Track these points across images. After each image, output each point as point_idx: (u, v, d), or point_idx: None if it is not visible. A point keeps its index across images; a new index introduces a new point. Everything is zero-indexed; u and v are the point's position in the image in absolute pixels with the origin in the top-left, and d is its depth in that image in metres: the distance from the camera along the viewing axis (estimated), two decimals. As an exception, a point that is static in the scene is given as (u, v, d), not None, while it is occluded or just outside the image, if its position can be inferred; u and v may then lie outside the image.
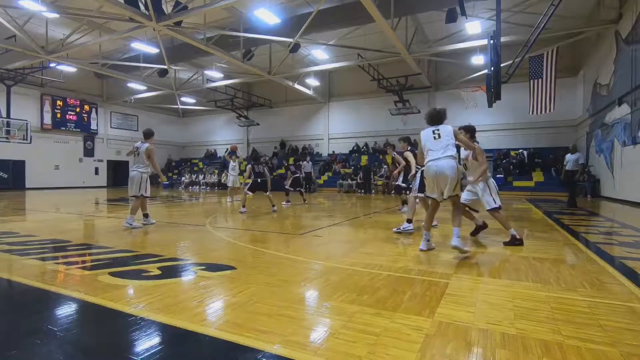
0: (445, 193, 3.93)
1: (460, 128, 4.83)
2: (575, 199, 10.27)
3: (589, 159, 15.22)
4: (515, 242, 4.45)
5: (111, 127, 25.96)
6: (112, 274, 3.20)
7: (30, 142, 19.96)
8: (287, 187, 10.99)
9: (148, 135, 6.21)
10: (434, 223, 6.65)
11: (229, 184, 12.29)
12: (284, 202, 10.73)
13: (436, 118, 4.12)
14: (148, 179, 6.14)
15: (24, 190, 20.08)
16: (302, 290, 2.82)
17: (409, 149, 6.38)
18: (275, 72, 17.73)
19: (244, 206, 8.69)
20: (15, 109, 19.86)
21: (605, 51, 12.98)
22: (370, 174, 18.59)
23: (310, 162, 10.20)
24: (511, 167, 17.62)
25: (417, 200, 5.96)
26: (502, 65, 9.96)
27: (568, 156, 10.05)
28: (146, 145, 6.06)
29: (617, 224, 7.02)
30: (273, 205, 8.97)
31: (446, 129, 4.00)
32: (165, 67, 17.20)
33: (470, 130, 4.91)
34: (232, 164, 12.29)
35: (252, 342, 1.90)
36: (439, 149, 3.94)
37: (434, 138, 3.99)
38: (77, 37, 15.40)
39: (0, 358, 1.75)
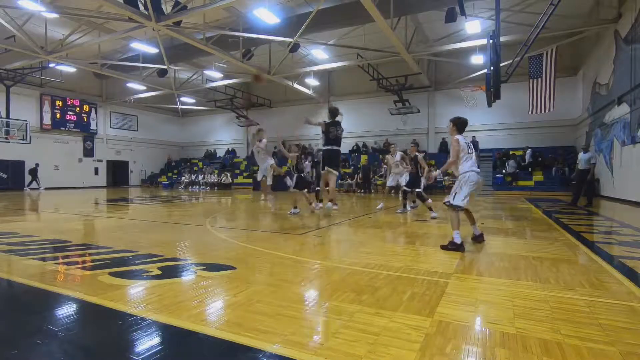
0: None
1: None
2: (578, 198, 10.24)
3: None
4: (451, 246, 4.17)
5: (111, 127, 25.96)
6: (112, 274, 3.20)
7: (30, 142, 19.96)
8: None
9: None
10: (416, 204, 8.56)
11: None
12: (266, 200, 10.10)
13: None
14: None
15: (23, 190, 20.06)
16: (302, 290, 2.82)
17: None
18: (275, 72, 17.73)
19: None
20: (14, 109, 19.84)
21: (604, 50, 12.99)
22: (370, 174, 18.59)
23: (309, 163, 10.05)
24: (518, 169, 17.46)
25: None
26: (501, 64, 9.97)
27: (581, 155, 9.97)
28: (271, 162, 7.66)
29: (616, 223, 7.03)
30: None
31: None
32: (165, 67, 17.20)
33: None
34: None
35: (252, 341, 1.90)
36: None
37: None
38: (77, 37, 15.39)
39: (1, 358, 1.76)
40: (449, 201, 4.34)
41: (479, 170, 4.39)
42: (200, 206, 11.02)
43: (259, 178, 8.12)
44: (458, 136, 4.33)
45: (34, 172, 20.59)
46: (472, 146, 4.39)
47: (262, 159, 7.93)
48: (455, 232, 4.16)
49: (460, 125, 4.40)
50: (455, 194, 4.30)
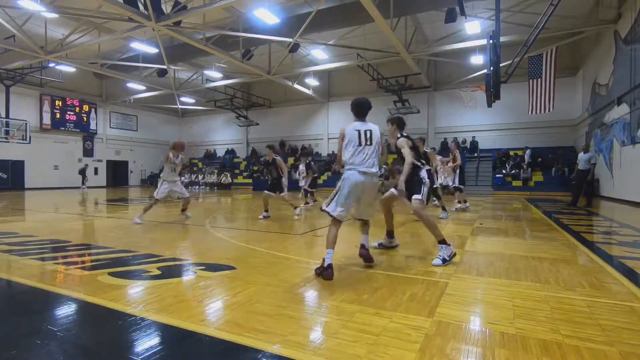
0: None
1: (388, 120, 4.06)
2: (578, 198, 10.24)
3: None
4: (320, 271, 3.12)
5: (110, 127, 25.95)
6: (112, 274, 3.20)
7: (30, 142, 19.94)
8: (305, 187, 10.51)
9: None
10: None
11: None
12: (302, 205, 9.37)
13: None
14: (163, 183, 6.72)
15: (23, 190, 20.05)
16: (301, 290, 2.82)
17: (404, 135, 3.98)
18: (275, 72, 17.73)
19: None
20: (14, 109, 19.83)
21: (604, 51, 12.99)
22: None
23: (303, 164, 10.22)
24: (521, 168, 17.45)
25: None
26: (501, 65, 9.96)
27: (580, 155, 9.99)
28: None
29: (616, 223, 7.03)
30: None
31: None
32: (165, 67, 17.20)
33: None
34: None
35: (252, 342, 1.90)
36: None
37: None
38: (76, 37, 15.39)
39: (0, 358, 1.75)
40: (322, 206, 3.32)
41: (372, 169, 3.23)
42: (200, 206, 11.01)
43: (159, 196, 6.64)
44: (350, 127, 3.31)
45: (83, 172, 20.89)
46: (369, 140, 3.25)
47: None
48: (328, 250, 3.14)
49: (352, 107, 3.38)
50: (332, 197, 3.28)
